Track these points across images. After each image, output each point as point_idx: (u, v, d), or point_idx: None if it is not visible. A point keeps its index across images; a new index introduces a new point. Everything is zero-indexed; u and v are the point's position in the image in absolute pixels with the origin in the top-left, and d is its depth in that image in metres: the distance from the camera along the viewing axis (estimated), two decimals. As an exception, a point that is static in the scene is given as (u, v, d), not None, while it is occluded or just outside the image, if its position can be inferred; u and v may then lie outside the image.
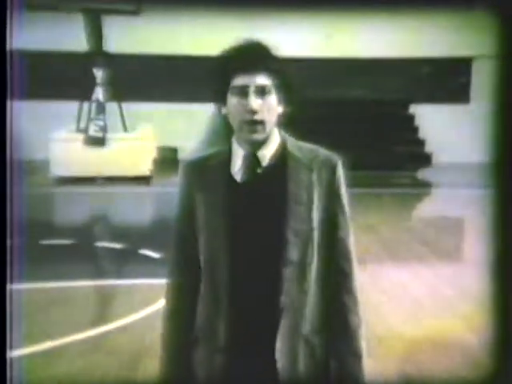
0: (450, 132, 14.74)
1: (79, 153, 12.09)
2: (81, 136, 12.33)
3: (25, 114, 10.10)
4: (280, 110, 1.92)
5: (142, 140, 12.70)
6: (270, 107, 1.87)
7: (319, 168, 1.93)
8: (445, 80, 15.46)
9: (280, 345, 1.89)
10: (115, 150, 12.29)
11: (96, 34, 12.47)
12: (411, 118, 15.06)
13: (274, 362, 1.88)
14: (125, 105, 12.91)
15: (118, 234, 8.64)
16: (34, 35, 11.77)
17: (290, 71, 1.91)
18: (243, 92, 1.84)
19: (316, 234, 1.92)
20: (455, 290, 6.07)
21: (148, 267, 6.64)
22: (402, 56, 14.97)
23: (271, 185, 1.92)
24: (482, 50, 14.34)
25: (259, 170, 1.93)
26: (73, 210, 10.45)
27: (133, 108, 13.14)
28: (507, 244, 2.78)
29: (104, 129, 12.34)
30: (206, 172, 1.96)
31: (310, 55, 14.61)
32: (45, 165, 11.89)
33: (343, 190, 1.97)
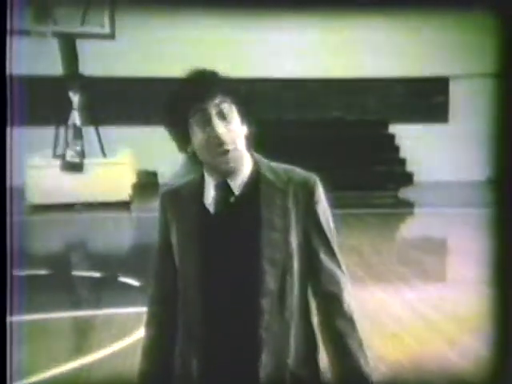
0: (431, 151, 14.84)
1: (56, 179, 11.92)
2: (58, 162, 12.18)
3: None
4: (245, 130, 1.85)
5: (121, 164, 12.59)
6: (235, 129, 1.81)
7: (295, 190, 1.85)
8: (422, 99, 15.60)
9: (264, 382, 1.78)
10: (93, 176, 12.15)
11: (71, 58, 12.38)
12: (391, 137, 15.13)
13: None
14: (102, 129, 12.79)
15: (96, 261, 8.51)
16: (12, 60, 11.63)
17: (242, 89, 1.87)
18: (205, 120, 1.78)
19: (295, 260, 1.83)
20: (439, 311, 6.01)
21: (128, 295, 6.51)
22: (379, 76, 15.09)
23: (244, 213, 1.84)
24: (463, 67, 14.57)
25: (232, 199, 1.85)
26: (49, 238, 10.28)
27: (111, 132, 13.02)
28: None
29: (81, 154, 12.22)
30: (180, 202, 1.90)
31: (288, 76, 14.67)
32: (19, 192, 11.70)
33: (322, 212, 1.88)
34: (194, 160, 1.88)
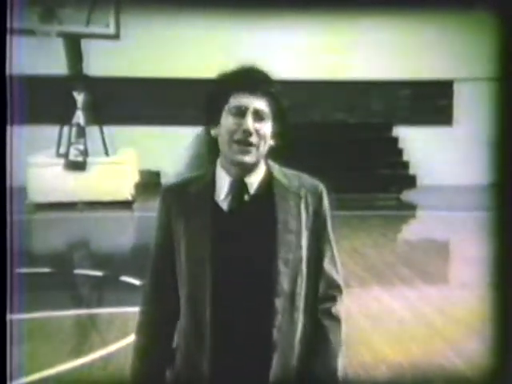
0: (434, 154, 14.81)
1: (59, 178, 11.91)
2: (61, 161, 12.18)
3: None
4: (272, 142, 1.87)
5: (124, 164, 12.58)
6: (265, 134, 1.82)
7: (306, 195, 1.88)
8: (427, 102, 15.57)
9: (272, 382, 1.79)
10: (96, 175, 12.14)
11: (76, 58, 12.39)
12: (395, 140, 15.11)
13: None
14: (106, 128, 12.80)
15: (98, 260, 8.50)
16: (13, 59, 11.66)
17: (287, 102, 1.89)
18: (240, 112, 1.79)
19: (304, 263, 1.86)
20: (441, 313, 5.99)
21: (129, 295, 6.49)
22: (384, 78, 15.06)
23: (260, 213, 1.85)
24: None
25: (247, 198, 1.85)
26: (51, 236, 10.26)
27: (114, 131, 13.03)
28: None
29: (85, 153, 12.21)
30: (187, 198, 1.87)
31: (291, 77, 14.67)
32: (21, 191, 11.70)
33: (328, 218, 1.94)
34: (212, 147, 1.88)
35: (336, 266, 1.95)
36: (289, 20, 14.34)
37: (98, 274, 7.43)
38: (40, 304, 6.07)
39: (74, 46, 12.31)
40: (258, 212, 1.85)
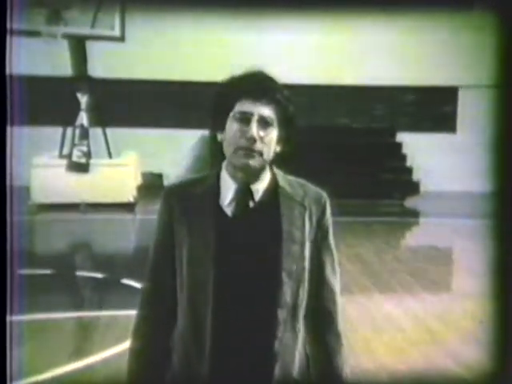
0: (437, 160, 14.79)
1: (61, 179, 11.91)
2: (63, 162, 12.19)
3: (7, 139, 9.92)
4: (277, 148, 1.85)
5: (126, 166, 12.59)
6: (270, 141, 1.80)
7: (309, 204, 1.86)
8: (430, 108, 15.56)
9: None
10: (99, 176, 12.14)
11: (80, 59, 12.42)
12: (398, 145, 15.09)
13: None
14: (109, 130, 12.81)
15: (99, 262, 8.50)
16: (17, 60, 11.67)
17: (293, 108, 1.86)
18: (246, 119, 1.77)
19: (306, 273, 1.84)
20: (442, 321, 5.97)
21: (130, 297, 6.47)
22: (387, 84, 15.06)
23: (264, 221, 1.83)
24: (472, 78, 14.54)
25: (251, 205, 1.83)
26: (53, 237, 10.27)
27: (117, 133, 13.04)
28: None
29: (88, 155, 12.22)
30: (191, 199, 1.84)
31: (295, 82, 14.65)
32: (24, 192, 11.70)
33: (330, 227, 1.92)
34: (218, 152, 1.86)
35: (336, 275, 1.93)
36: (293, 25, 14.35)
37: (100, 276, 7.41)
38: (41, 306, 6.06)
39: (78, 48, 12.34)
40: (263, 220, 1.83)
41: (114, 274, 7.44)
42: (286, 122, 1.84)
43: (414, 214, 13.25)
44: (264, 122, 1.79)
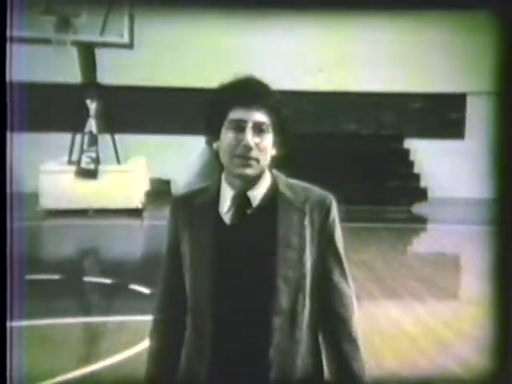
0: (445, 167, 14.76)
1: (70, 185, 11.98)
2: (72, 168, 12.25)
3: (16, 145, 9.99)
4: (274, 152, 1.84)
5: (135, 172, 12.63)
6: (265, 147, 1.79)
7: (311, 209, 1.84)
8: (439, 115, 15.53)
9: None
10: (107, 182, 12.19)
11: (89, 66, 12.49)
12: (406, 152, 15.07)
13: None
14: (118, 136, 12.86)
15: (107, 268, 8.50)
16: (27, 67, 11.77)
17: (286, 111, 1.84)
18: (240, 127, 1.76)
19: (308, 279, 1.82)
20: (450, 328, 5.95)
21: (138, 303, 6.49)
22: (395, 90, 15.04)
23: (261, 227, 1.82)
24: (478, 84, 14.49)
25: (249, 212, 1.83)
26: (61, 243, 10.29)
27: (126, 140, 13.09)
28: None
29: (96, 161, 12.27)
30: (192, 210, 1.87)
31: (303, 88, 14.66)
32: (33, 197, 11.77)
33: (337, 232, 1.88)
34: (216, 160, 1.86)
35: (347, 280, 1.90)
36: (301, 32, 14.38)
37: (107, 281, 7.43)
38: (49, 311, 6.09)
39: (87, 55, 12.42)
40: (259, 226, 1.82)
41: (122, 279, 7.45)
42: (280, 126, 1.83)
43: (422, 220, 13.22)
44: (258, 129, 1.78)
